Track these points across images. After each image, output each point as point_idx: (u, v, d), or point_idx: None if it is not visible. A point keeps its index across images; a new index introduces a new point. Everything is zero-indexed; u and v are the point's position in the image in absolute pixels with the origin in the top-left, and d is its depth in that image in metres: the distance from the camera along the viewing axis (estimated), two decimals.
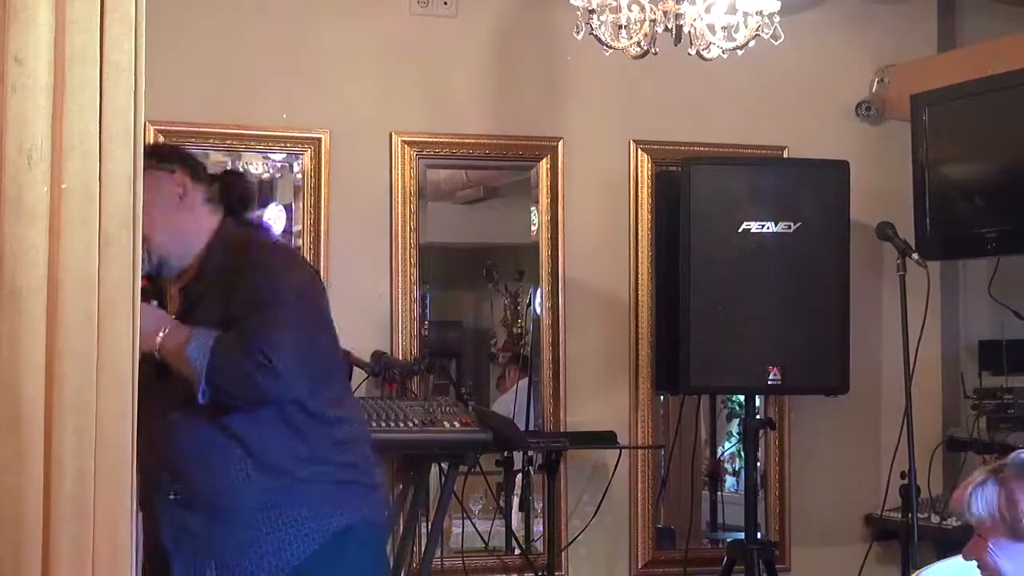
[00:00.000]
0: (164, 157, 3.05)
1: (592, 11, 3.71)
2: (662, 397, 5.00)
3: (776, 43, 3.77)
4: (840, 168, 4.61)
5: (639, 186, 4.97)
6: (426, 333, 4.85)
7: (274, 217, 5.21)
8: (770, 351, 4.48)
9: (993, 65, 4.59)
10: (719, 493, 5.27)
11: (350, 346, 3.81)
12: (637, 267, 4.95)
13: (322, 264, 4.60)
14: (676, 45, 3.82)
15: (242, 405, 2.85)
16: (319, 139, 4.66)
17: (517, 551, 4.75)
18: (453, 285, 5.34)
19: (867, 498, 4.95)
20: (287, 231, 5.02)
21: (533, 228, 4.96)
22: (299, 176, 4.72)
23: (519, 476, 4.76)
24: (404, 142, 4.77)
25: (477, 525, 4.68)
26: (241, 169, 3.11)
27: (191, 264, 3.01)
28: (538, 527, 4.84)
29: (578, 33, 3.75)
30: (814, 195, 4.57)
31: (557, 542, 4.74)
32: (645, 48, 3.77)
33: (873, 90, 5.21)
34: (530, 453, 4.65)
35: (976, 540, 2.44)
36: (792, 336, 4.51)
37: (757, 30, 3.76)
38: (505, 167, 5.06)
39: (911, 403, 4.08)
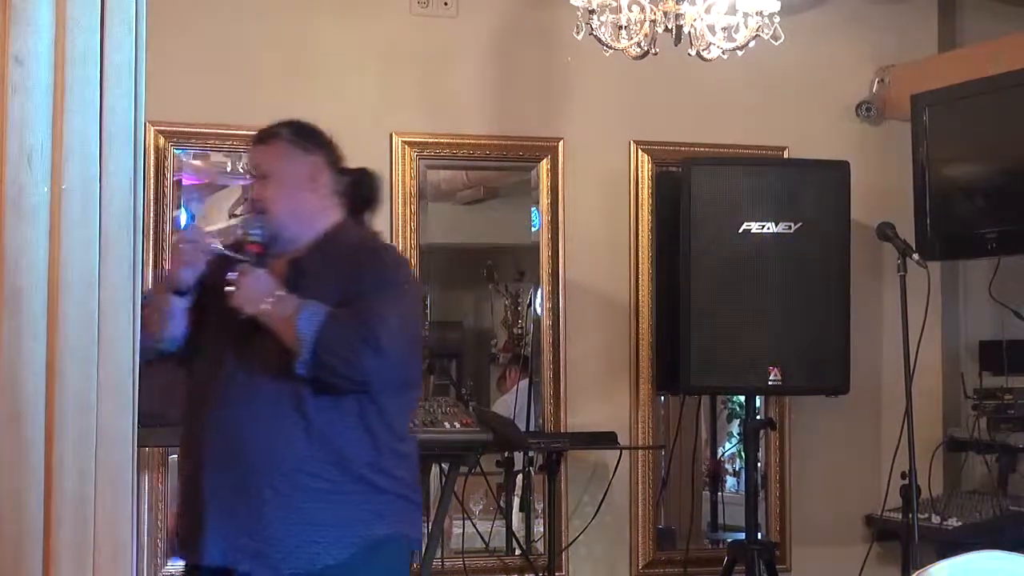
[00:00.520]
0: (306, 137, 3.05)
1: (592, 11, 3.71)
2: (662, 397, 5.00)
3: (776, 43, 3.77)
4: (840, 168, 4.61)
5: (639, 186, 4.98)
6: (427, 333, 4.84)
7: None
8: (770, 351, 4.48)
9: (993, 65, 4.59)
10: (719, 493, 5.27)
11: None
12: (637, 267, 4.95)
13: None
14: (676, 45, 3.82)
15: (338, 383, 2.81)
16: None
17: (518, 552, 4.75)
18: (454, 286, 5.34)
19: (867, 498, 4.94)
20: None
21: (533, 229, 4.96)
22: None
23: (519, 477, 4.76)
24: (404, 143, 4.77)
25: (478, 526, 4.68)
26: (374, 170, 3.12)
27: (302, 245, 2.99)
28: (539, 528, 4.85)
29: (578, 33, 3.75)
30: (814, 195, 4.57)
31: (558, 542, 4.74)
32: (645, 48, 3.78)
33: (873, 90, 5.22)
34: (531, 454, 4.66)
35: None
36: (792, 337, 4.51)
37: (757, 30, 3.76)
38: (505, 168, 5.06)
39: (911, 403, 4.07)
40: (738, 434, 5.29)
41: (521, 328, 5.25)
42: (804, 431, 5.10)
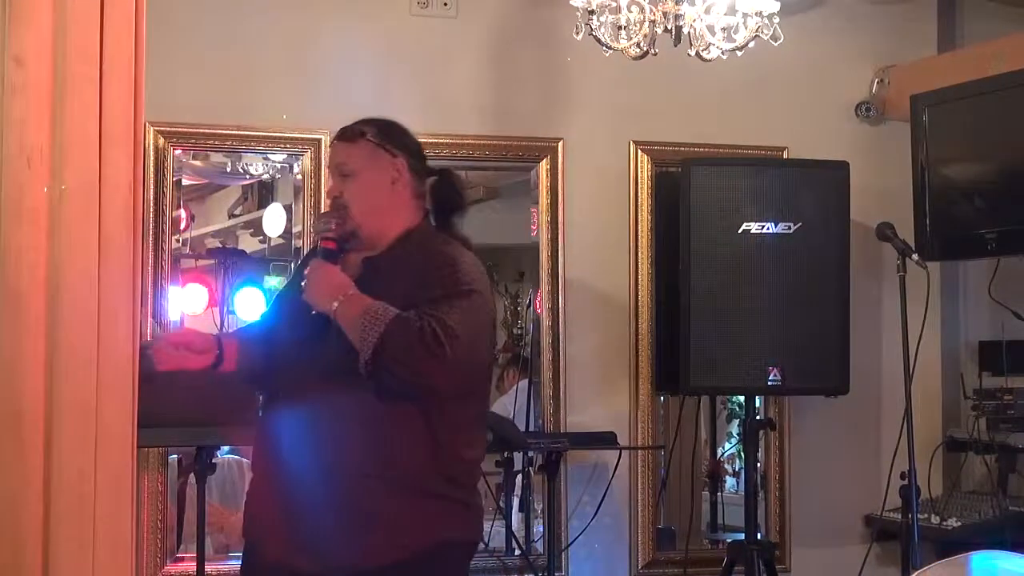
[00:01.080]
0: (390, 137, 3.06)
1: (592, 12, 3.71)
2: (662, 397, 4.99)
3: (776, 44, 3.77)
4: (840, 169, 4.61)
5: (639, 186, 4.97)
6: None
7: (274, 217, 5.23)
8: (770, 352, 4.48)
9: (993, 65, 4.59)
10: (719, 494, 5.26)
11: None
12: (637, 267, 4.95)
13: None
14: (676, 46, 3.82)
15: (401, 388, 2.79)
16: (319, 140, 4.65)
17: (517, 552, 4.74)
18: None
19: (867, 499, 4.94)
20: (287, 232, 5.02)
21: (533, 229, 4.96)
22: (299, 177, 4.71)
23: (519, 477, 4.76)
24: None
25: None
26: (462, 175, 3.14)
27: (380, 245, 3.00)
28: (538, 528, 4.85)
29: (578, 34, 3.75)
30: (814, 196, 4.57)
31: (557, 543, 4.74)
32: (645, 49, 3.77)
33: (873, 90, 5.21)
34: (530, 454, 4.66)
35: None
36: (792, 337, 4.50)
37: (757, 31, 3.76)
38: (505, 168, 5.06)
39: (911, 404, 4.07)
40: (738, 434, 5.28)
41: (521, 328, 5.25)
42: (804, 431, 5.10)
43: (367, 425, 2.84)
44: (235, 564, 4.09)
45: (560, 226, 4.89)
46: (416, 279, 2.89)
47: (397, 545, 2.83)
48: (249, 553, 3.05)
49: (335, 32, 4.74)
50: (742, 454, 5.05)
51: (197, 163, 4.93)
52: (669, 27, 3.76)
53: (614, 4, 3.71)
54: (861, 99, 5.22)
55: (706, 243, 4.50)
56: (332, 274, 2.91)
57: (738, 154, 4.99)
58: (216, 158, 4.92)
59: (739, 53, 3.81)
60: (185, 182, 4.91)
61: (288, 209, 4.95)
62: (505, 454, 4.56)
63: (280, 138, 4.68)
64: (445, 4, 4.85)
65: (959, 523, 4.57)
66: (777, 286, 4.51)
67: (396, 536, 2.84)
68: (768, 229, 4.50)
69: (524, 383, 5.00)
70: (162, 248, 4.52)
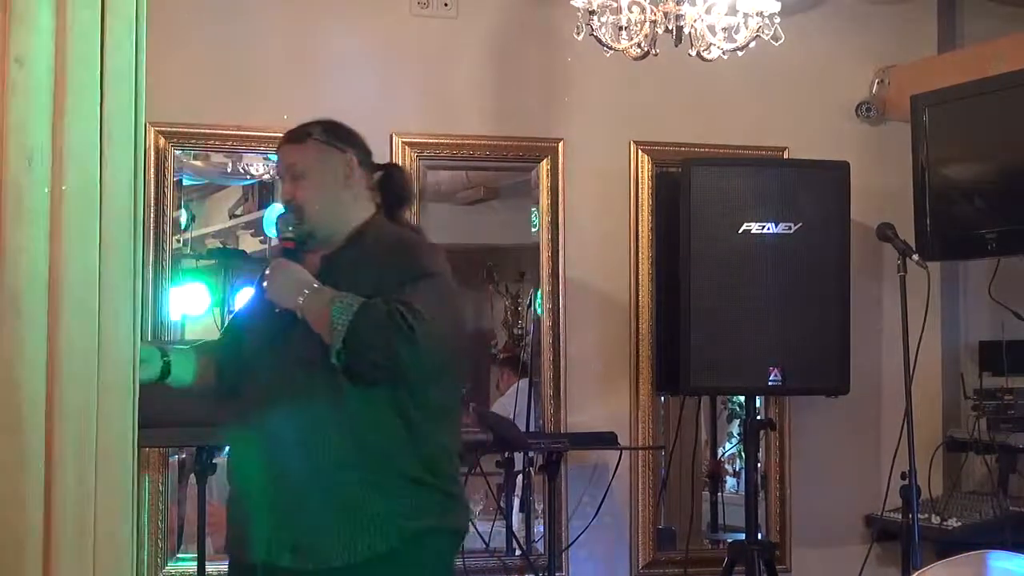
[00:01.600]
0: (338, 136, 3.10)
1: (592, 12, 3.71)
2: (662, 398, 4.99)
3: (776, 44, 3.77)
4: (840, 169, 4.61)
5: (639, 187, 4.98)
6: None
7: (274, 218, 5.21)
8: (770, 352, 4.48)
9: (993, 65, 4.59)
10: (719, 494, 5.27)
11: None
12: (637, 268, 4.95)
13: None
14: (676, 46, 3.82)
15: (374, 374, 2.81)
16: None
17: (518, 552, 4.74)
18: None
19: (867, 499, 4.94)
20: None
21: (534, 229, 4.96)
22: None
23: (520, 477, 4.76)
24: (404, 143, 4.77)
25: (478, 526, 4.67)
26: (402, 166, 3.17)
27: (337, 241, 3.03)
28: (539, 528, 4.85)
29: (578, 34, 3.76)
30: (814, 196, 4.57)
31: (558, 543, 4.74)
32: (645, 49, 3.78)
33: (873, 91, 5.22)
34: (531, 454, 4.66)
35: None
36: (792, 337, 4.50)
37: (757, 31, 3.76)
38: (506, 168, 5.06)
39: (911, 404, 4.07)
40: (738, 434, 5.29)
41: (521, 328, 5.25)
42: (804, 431, 5.10)
43: (340, 416, 2.85)
44: None
45: (560, 226, 4.89)
46: (377, 270, 2.92)
47: (378, 536, 2.84)
48: (234, 559, 3.06)
49: (335, 32, 4.75)
50: (742, 454, 5.05)
51: (197, 163, 4.93)
52: (670, 27, 3.77)
53: (615, 4, 3.71)
54: (861, 99, 5.22)
55: (706, 243, 4.50)
56: (294, 271, 2.94)
57: (738, 154, 4.99)
58: (216, 158, 4.91)
59: (740, 53, 3.82)
60: (185, 182, 4.91)
61: None
62: (506, 454, 4.56)
63: (280, 138, 4.66)
64: (445, 4, 4.85)
65: (959, 523, 4.57)
66: (777, 286, 4.51)
67: (377, 527, 2.85)
68: (768, 229, 4.50)
69: (524, 383, 5.00)
70: (162, 248, 4.52)
